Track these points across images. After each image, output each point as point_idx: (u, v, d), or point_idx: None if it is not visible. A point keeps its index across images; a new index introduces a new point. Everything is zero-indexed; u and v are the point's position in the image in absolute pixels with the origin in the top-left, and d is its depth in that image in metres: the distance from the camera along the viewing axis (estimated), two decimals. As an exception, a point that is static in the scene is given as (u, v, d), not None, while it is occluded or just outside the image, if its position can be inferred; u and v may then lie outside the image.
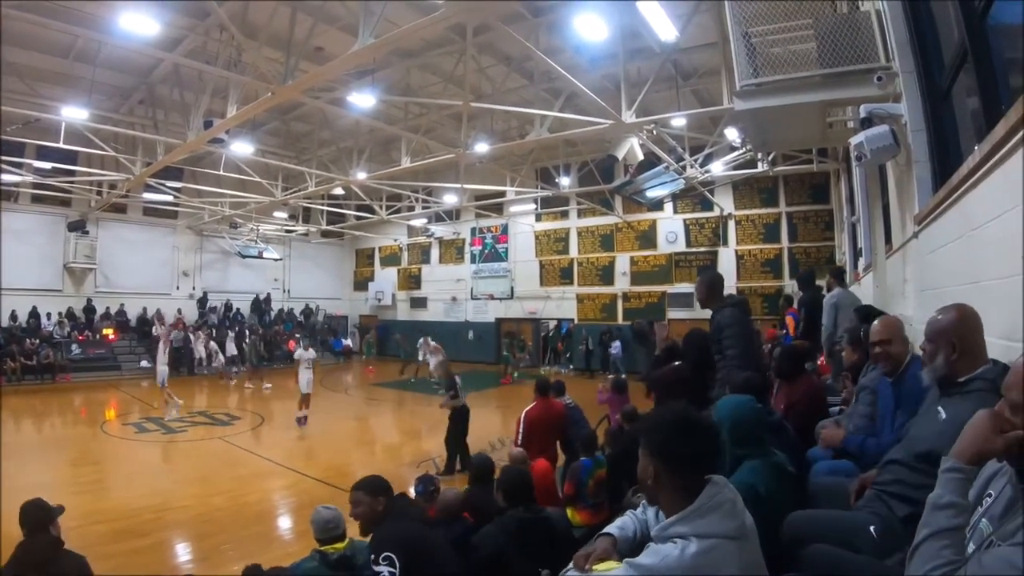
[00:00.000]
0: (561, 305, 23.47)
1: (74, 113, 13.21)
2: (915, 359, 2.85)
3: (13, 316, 19.90)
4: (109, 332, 21.58)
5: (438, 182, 21.09)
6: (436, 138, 15.73)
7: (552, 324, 24.01)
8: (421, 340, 19.16)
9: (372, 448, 12.01)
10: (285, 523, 7.44)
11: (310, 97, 12.05)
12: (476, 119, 15.44)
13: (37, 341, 19.26)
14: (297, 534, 6.61)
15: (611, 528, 2.19)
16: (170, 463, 10.22)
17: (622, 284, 21.98)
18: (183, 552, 6.39)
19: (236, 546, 6.12)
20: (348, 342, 28.25)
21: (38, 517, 3.44)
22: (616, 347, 20.64)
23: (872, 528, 2.27)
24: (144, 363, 20.76)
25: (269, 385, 18.27)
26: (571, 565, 2.01)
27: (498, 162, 18.48)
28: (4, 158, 16.00)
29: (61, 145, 14.38)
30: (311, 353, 13.65)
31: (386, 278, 29.52)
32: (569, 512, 5.06)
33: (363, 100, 12.33)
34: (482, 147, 14.25)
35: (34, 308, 20.44)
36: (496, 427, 11.80)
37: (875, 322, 3.20)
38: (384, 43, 8.12)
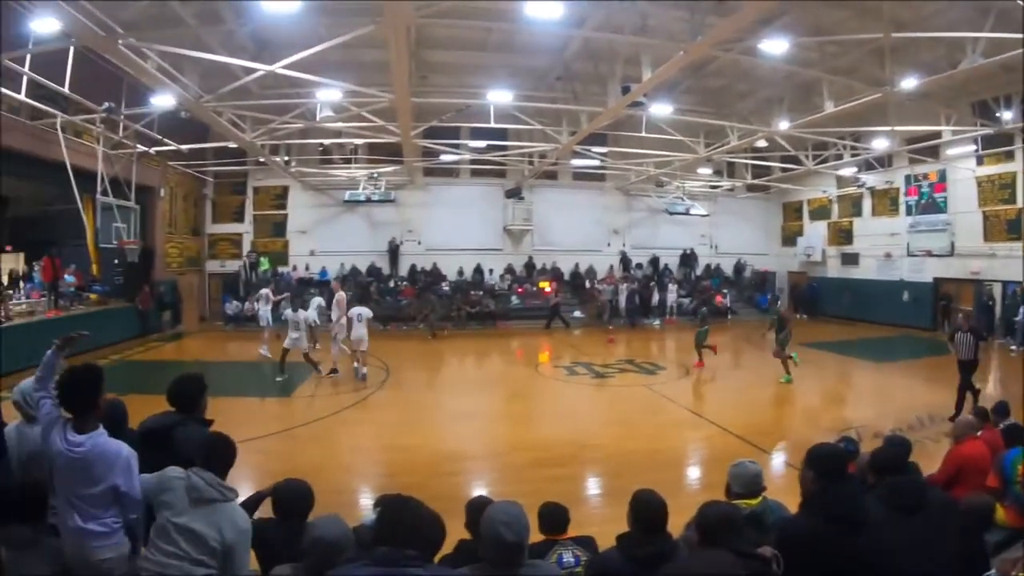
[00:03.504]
0: (1007, 264, 18.86)
1: (499, 96, 14.88)
2: None
3: (460, 271, 25.04)
4: (545, 286, 24.75)
5: (865, 126, 18.80)
6: (858, 78, 13.98)
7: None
8: (263, 291, 16.27)
9: (792, 409, 11.53)
10: (694, 473, 7.65)
11: (722, 51, 11.75)
12: (899, 51, 13.66)
13: (481, 293, 23.81)
14: (704, 486, 6.74)
15: None
16: (594, 405, 11.34)
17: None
18: (594, 486, 7.06)
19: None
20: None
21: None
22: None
23: None
24: (577, 313, 23.74)
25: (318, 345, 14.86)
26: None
27: (930, 98, 16.05)
28: (445, 142, 19.67)
29: (492, 125, 16.47)
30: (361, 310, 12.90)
31: (815, 232, 27.29)
32: (997, 509, 4.07)
33: (775, 47, 11.73)
34: (909, 83, 12.79)
35: (478, 265, 25.32)
36: (923, 401, 10.12)
37: None
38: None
